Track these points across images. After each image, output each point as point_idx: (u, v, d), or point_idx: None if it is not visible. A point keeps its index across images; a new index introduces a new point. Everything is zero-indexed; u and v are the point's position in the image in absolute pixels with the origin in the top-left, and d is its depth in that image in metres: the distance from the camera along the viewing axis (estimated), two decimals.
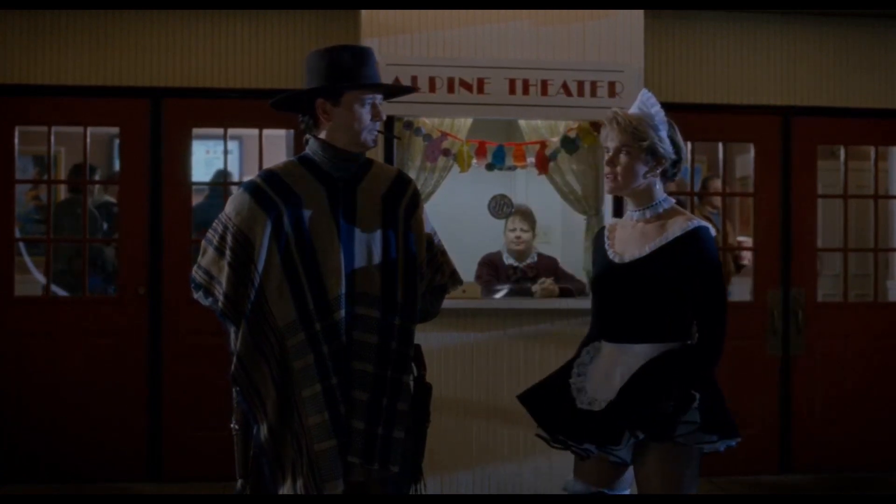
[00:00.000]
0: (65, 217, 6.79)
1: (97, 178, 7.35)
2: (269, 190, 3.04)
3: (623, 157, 3.13)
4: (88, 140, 6.07)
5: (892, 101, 6.39)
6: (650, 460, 3.01)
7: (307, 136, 3.15)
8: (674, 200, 3.21)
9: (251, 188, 3.06)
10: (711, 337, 3.02)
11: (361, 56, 3.07)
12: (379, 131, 3.12)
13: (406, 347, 3.07)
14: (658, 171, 3.15)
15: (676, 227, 3.08)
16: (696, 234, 3.05)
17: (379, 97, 3.11)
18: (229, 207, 3.06)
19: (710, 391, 3.01)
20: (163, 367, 5.92)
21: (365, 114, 3.06)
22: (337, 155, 3.08)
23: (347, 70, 3.03)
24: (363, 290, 3.03)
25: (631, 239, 3.17)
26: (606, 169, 3.17)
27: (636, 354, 3.06)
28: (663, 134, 3.13)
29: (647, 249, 3.10)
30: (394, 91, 3.33)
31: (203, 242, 3.09)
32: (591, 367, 3.16)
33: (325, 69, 3.04)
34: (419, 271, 3.13)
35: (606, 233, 3.30)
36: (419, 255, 3.14)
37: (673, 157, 3.16)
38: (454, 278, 3.25)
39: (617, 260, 3.16)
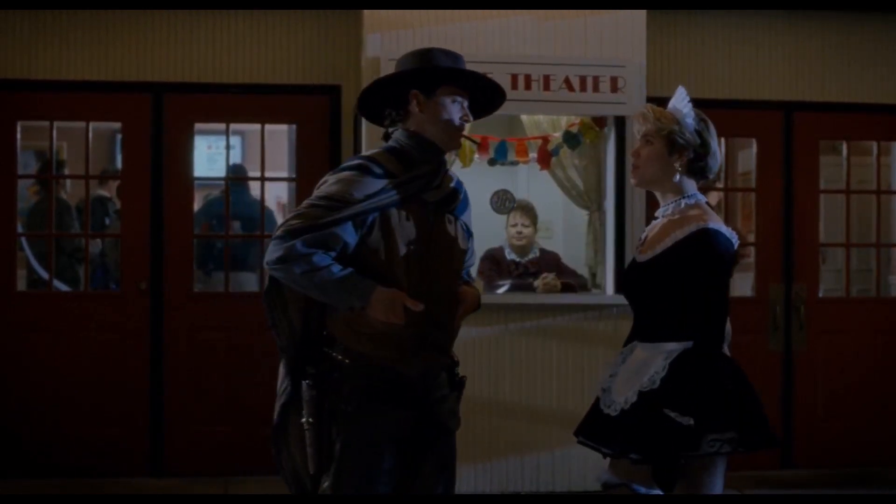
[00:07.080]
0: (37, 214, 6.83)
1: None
2: (378, 169, 2.98)
3: (645, 148, 3.17)
4: (90, 135, 6.07)
5: (894, 97, 6.38)
6: None
7: (391, 129, 3.12)
8: (704, 199, 3.19)
9: (362, 168, 2.98)
10: (705, 341, 3.02)
11: (457, 57, 3.12)
12: (465, 136, 3.12)
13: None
14: (679, 165, 3.14)
15: (688, 227, 3.08)
16: (700, 236, 3.04)
17: (466, 102, 3.10)
18: (339, 186, 2.94)
19: (717, 392, 2.99)
20: (164, 362, 5.92)
21: (455, 112, 3.07)
22: (423, 144, 3.06)
23: (444, 67, 3.06)
24: None
25: (655, 236, 3.17)
26: (632, 160, 3.27)
27: (657, 353, 3.06)
28: (688, 126, 3.15)
29: (658, 249, 3.11)
30: (486, 90, 3.18)
31: (308, 208, 2.93)
32: (623, 366, 3.16)
33: (420, 63, 3.06)
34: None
35: (648, 227, 3.31)
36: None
37: (694, 146, 3.14)
38: None
39: (638, 258, 3.19)
